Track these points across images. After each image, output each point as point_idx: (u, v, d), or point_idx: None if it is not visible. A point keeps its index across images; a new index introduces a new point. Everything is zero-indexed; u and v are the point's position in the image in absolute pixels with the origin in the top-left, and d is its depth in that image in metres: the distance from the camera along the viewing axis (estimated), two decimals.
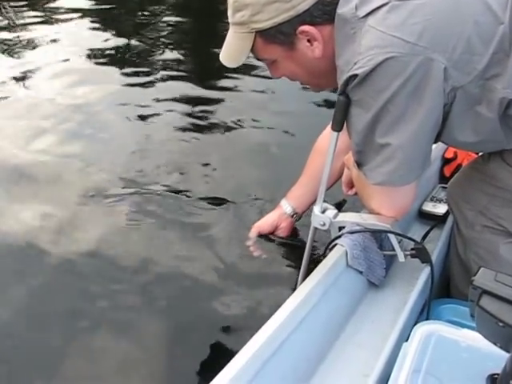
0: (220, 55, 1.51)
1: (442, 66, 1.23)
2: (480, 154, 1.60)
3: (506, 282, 0.87)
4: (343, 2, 1.36)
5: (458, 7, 1.27)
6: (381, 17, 1.27)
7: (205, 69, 4.32)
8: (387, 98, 1.26)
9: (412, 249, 1.43)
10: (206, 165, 2.65)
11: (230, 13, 1.46)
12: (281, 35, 1.41)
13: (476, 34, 1.25)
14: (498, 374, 0.95)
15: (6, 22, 5.42)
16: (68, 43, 4.61)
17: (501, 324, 0.85)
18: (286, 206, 2.02)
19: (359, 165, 1.42)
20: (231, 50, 1.50)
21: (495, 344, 0.92)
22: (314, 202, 1.83)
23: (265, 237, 2.03)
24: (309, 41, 1.42)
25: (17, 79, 3.82)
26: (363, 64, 1.26)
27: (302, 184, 2.02)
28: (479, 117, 1.32)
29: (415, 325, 1.16)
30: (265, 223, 2.04)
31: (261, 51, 1.48)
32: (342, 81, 1.34)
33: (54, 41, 4.81)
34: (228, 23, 1.49)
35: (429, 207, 1.84)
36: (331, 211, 1.47)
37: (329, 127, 1.89)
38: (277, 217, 2.03)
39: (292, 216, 2.02)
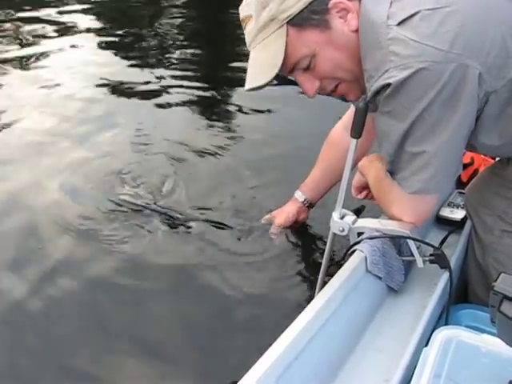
0: (246, 82, 1.44)
1: (477, 71, 1.23)
2: (498, 158, 1.61)
3: None
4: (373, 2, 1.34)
5: (489, 12, 1.27)
6: (412, 26, 1.26)
7: (211, 75, 4.34)
8: (423, 108, 1.26)
9: (431, 254, 1.43)
10: (215, 175, 2.67)
11: (252, 23, 1.40)
12: (314, 15, 1.35)
13: (509, 37, 1.25)
14: None
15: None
16: (74, 46, 4.71)
17: None
18: (303, 199, 2.11)
19: (392, 174, 1.42)
20: (267, 58, 1.40)
21: None
22: (327, 191, 1.95)
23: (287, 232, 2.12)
24: (341, 17, 1.37)
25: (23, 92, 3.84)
26: (396, 73, 1.25)
27: (316, 177, 2.09)
28: (508, 120, 1.33)
29: (434, 330, 1.16)
30: (286, 219, 2.12)
31: (296, 45, 1.38)
32: (372, 87, 1.33)
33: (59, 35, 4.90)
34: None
35: (446, 212, 1.84)
36: (350, 217, 1.48)
37: (342, 120, 1.95)
38: (295, 210, 2.12)
39: (308, 206, 2.13)
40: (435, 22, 1.24)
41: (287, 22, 1.36)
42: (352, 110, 1.54)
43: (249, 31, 1.42)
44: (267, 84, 1.40)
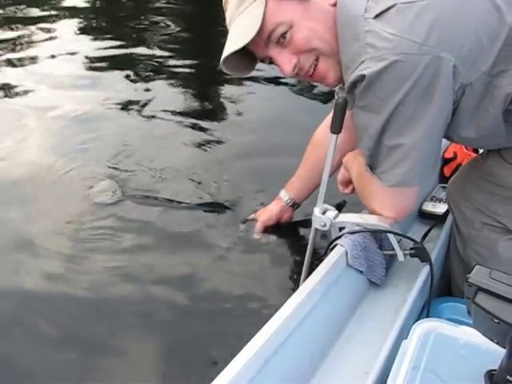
0: (224, 50, 1.44)
1: (451, 63, 1.25)
2: (479, 152, 1.62)
3: (501, 279, 0.88)
4: None
5: (464, 6, 1.28)
6: (388, 19, 1.28)
7: (205, 75, 4.32)
8: (399, 100, 1.28)
9: (411, 248, 1.44)
10: (202, 171, 2.65)
11: (231, 3, 1.43)
12: None
13: (483, 31, 1.26)
14: (495, 370, 0.96)
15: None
16: (64, 50, 4.57)
17: (496, 320, 0.87)
18: (287, 198, 2.10)
19: (372, 168, 1.44)
20: (238, 31, 1.42)
21: (492, 340, 0.94)
22: (312, 192, 1.93)
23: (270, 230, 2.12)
24: None
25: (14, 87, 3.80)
26: (371, 64, 1.27)
27: (301, 176, 2.09)
28: (483, 113, 1.34)
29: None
30: (269, 218, 2.11)
31: (275, 15, 1.39)
32: (348, 78, 1.35)
33: (50, 44, 4.81)
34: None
35: (429, 207, 1.86)
36: (331, 212, 1.49)
37: (325, 120, 1.96)
38: (279, 209, 2.11)
39: (292, 206, 2.11)
40: (411, 15, 1.26)
41: None
42: None
43: (229, 9, 1.44)
44: (238, 50, 1.41)
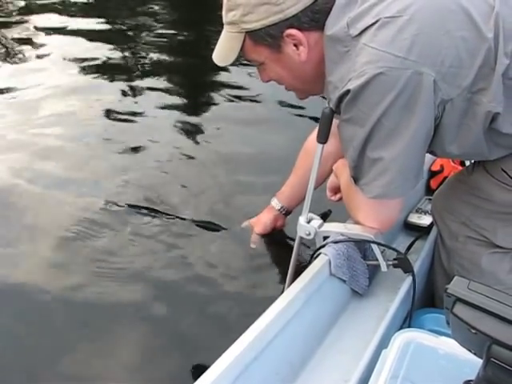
0: (213, 54, 1.55)
1: (432, 78, 1.26)
2: (466, 166, 1.64)
3: (479, 290, 0.89)
4: (332, 20, 1.39)
5: (444, 23, 1.29)
6: (372, 34, 1.30)
7: (199, 81, 4.34)
8: (381, 113, 1.29)
9: (394, 259, 1.45)
10: (193, 182, 2.66)
11: (223, 12, 1.50)
12: (268, 37, 1.45)
13: (463, 48, 1.28)
14: (473, 380, 0.97)
15: None
16: (58, 58, 4.57)
17: (473, 331, 0.87)
18: (279, 207, 2.12)
19: (355, 180, 1.45)
20: (222, 49, 1.54)
21: (470, 351, 0.94)
22: (303, 200, 1.92)
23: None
24: (295, 45, 1.45)
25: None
26: (356, 80, 1.29)
27: (292, 184, 2.11)
28: (466, 129, 1.35)
29: None
30: (264, 228, 2.13)
31: (250, 52, 1.51)
32: (335, 96, 1.37)
33: (44, 54, 4.77)
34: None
35: (414, 218, 1.87)
36: (316, 221, 1.50)
37: (316, 130, 1.97)
38: (272, 218, 2.13)
39: (285, 214, 2.15)
40: (393, 30, 1.28)
41: (246, 32, 1.46)
42: None
43: (223, 13, 1.51)
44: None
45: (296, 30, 1.42)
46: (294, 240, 1.56)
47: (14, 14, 6.14)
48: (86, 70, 4.25)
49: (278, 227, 2.16)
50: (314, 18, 1.41)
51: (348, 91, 1.31)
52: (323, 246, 1.45)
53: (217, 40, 1.53)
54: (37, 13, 6.06)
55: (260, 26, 1.43)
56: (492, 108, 1.30)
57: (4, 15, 6.08)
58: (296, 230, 1.52)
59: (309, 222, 1.48)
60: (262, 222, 2.15)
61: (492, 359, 0.86)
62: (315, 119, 1.99)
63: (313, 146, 1.97)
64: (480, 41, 1.29)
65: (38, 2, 6.55)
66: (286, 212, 2.14)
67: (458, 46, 1.28)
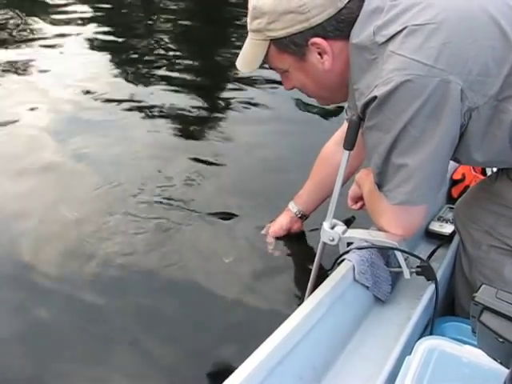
0: (237, 60, 1.57)
1: (459, 87, 1.26)
2: (488, 174, 1.63)
3: (507, 299, 0.89)
4: (358, 29, 1.40)
5: (472, 32, 1.30)
6: (399, 41, 1.30)
7: (212, 79, 4.37)
8: (407, 120, 1.30)
9: (417, 266, 1.45)
10: (210, 175, 2.72)
11: (248, 20, 1.52)
12: (293, 45, 1.46)
13: (490, 57, 1.28)
14: None
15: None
16: (67, 55, 4.66)
17: (501, 340, 0.87)
18: (296, 210, 2.18)
19: (379, 186, 1.45)
20: (246, 56, 1.55)
21: (496, 360, 0.94)
22: (319, 204, 2.07)
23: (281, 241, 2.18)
24: (319, 54, 1.47)
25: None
26: (383, 87, 1.30)
27: (309, 190, 2.16)
28: (491, 137, 1.35)
29: None
30: (280, 229, 2.19)
31: (274, 59, 1.53)
32: (361, 103, 1.38)
33: (50, 50, 4.86)
34: (243, 31, 1.57)
35: (436, 227, 1.87)
36: (340, 227, 1.50)
37: (334, 137, 2.04)
38: (289, 221, 2.18)
39: (301, 218, 2.20)
40: (421, 38, 1.28)
41: (270, 40, 1.48)
42: (344, 127, 1.61)
43: (248, 20, 1.53)
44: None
45: (321, 38, 1.44)
46: (315, 246, 1.56)
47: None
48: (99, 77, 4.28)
49: (295, 230, 2.20)
50: (338, 27, 1.43)
51: (375, 97, 1.32)
52: (347, 252, 1.45)
53: (236, 41, 1.56)
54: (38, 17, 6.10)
55: (285, 34, 1.45)
56: None
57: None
58: (319, 236, 1.52)
59: (333, 228, 1.49)
60: (277, 223, 2.20)
61: None
62: (333, 125, 2.00)
63: (329, 153, 2.06)
64: (508, 50, 1.29)
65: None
66: (302, 215, 2.19)
67: (485, 55, 1.28)
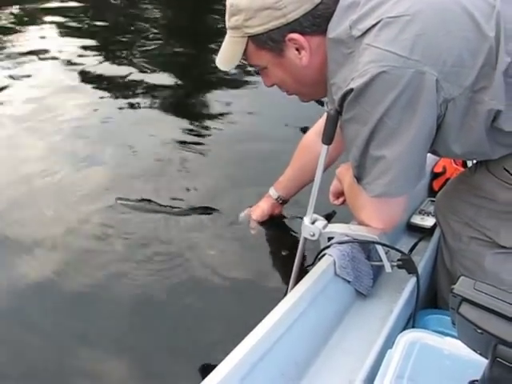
0: (216, 59, 1.57)
1: (434, 78, 1.27)
2: (468, 166, 1.64)
3: (485, 291, 0.89)
4: (335, 24, 1.41)
5: (446, 24, 1.31)
6: (374, 34, 1.31)
7: (196, 80, 4.35)
8: (383, 111, 1.30)
9: (398, 259, 1.45)
10: (190, 171, 2.74)
11: (226, 17, 1.52)
12: (271, 41, 1.47)
13: (465, 48, 1.29)
14: (477, 381, 0.97)
15: None
16: (51, 61, 4.54)
17: (479, 331, 0.88)
18: (276, 196, 2.25)
19: (358, 179, 1.46)
20: (225, 54, 1.56)
21: (475, 351, 0.95)
22: (299, 190, 2.13)
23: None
24: (297, 49, 1.47)
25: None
26: (359, 79, 1.30)
27: (289, 176, 2.21)
28: (467, 128, 1.36)
29: None
30: (262, 214, 2.25)
31: (252, 56, 1.54)
32: (338, 96, 1.38)
33: (37, 54, 4.75)
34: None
35: (417, 220, 1.88)
36: (321, 222, 1.50)
37: (314, 127, 2.06)
38: (270, 206, 2.26)
39: (282, 203, 2.28)
40: (395, 30, 1.29)
41: (248, 37, 1.48)
42: (324, 117, 1.61)
43: (226, 17, 1.54)
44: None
45: (298, 34, 1.44)
46: (298, 241, 1.57)
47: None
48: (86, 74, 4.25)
49: (276, 214, 2.27)
50: (315, 23, 1.43)
51: (351, 90, 1.32)
52: (328, 247, 1.45)
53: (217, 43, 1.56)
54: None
55: (262, 30, 1.45)
56: (494, 106, 1.31)
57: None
58: (300, 231, 1.52)
59: (313, 223, 1.49)
60: (259, 208, 2.25)
61: (498, 359, 0.86)
62: (314, 117, 2.03)
63: (310, 142, 2.10)
64: (482, 40, 1.30)
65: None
66: (283, 201, 2.25)
67: (459, 46, 1.29)
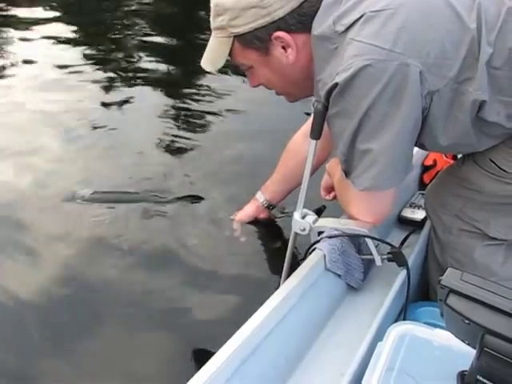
0: (202, 60, 1.57)
1: (418, 69, 1.28)
2: (459, 157, 1.65)
3: (472, 282, 0.90)
4: (319, 21, 1.42)
5: (428, 17, 1.32)
6: (358, 28, 1.32)
7: (187, 76, 4.36)
8: (368, 105, 1.31)
9: (388, 253, 1.46)
10: (181, 166, 2.75)
11: (211, 18, 1.52)
12: (257, 40, 1.47)
13: (447, 40, 1.30)
14: (467, 371, 0.99)
15: None
16: (44, 60, 4.52)
17: (467, 321, 0.89)
18: (262, 200, 2.21)
19: (346, 174, 1.46)
20: (211, 54, 1.56)
21: (463, 341, 0.96)
22: (286, 195, 2.11)
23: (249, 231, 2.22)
24: (283, 48, 1.48)
25: None
26: (343, 74, 1.31)
27: (276, 181, 2.19)
28: (453, 120, 1.37)
29: None
30: (245, 216, 2.23)
31: (238, 56, 1.54)
32: (324, 91, 1.39)
33: (26, 47, 4.84)
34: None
35: (408, 213, 1.88)
36: (311, 217, 1.51)
37: (302, 129, 2.05)
38: (255, 209, 2.23)
39: (268, 207, 2.24)
40: (378, 24, 1.30)
41: (234, 36, 1.49)
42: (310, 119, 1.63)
43: (211, 18, 1.54)
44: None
45: (284, 32, 1.45)
46: (288, 235, 1.57)
47: None
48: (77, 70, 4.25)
49: (261, 218, 2.24)
50: (300, 21, 1.44)
51: (336, 84, 1.33)
52: (318, 242, 1.46)
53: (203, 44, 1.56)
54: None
55: (248, 29, 1.45)
56: (478, 96, 1.32)
57: None
58: (291, 226, 1.53)
59: (303, 218, 1.50)
60: (244, 210, 2.24)
61: (485, 349, 0.87)
62: (302, 119, 2.05)
63: (296, 145, 2.09)
64: (463, 32, 1.31)
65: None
66: (269, 205, 2.22)
67: (442, 38, 1.30)
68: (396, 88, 1.29)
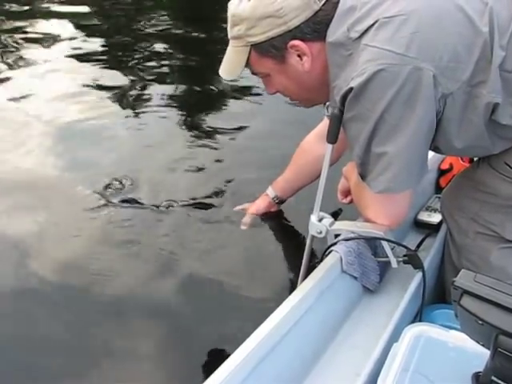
0: (220, 69, 1.60)
1: (431, 73, 1.30)
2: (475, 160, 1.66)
3: (485, 283, 0.92)
4: (334, 28, 1.44)
5: (441, 21, 1.34)
6: (372, 34, 1.35)
7: (199, 80, 4.39)
8: (383, 108, 1.33)
9: (404, 255, 1.48)
10: (188, 169, 2.78)
11: (228, 27, 1.55)
12: (273, 49, 1.50)
13: (460, 44, 1.32)
14: (481, 372, 0.99)
15: None
16: (56, 61, 4.62)
17: (480, 322, 0.90)
18: (273, 195, 2.30)
19: (363, 177, 1.48)
20: (229, 64, 1.59)
21: (478, 342, 0.97)
22: (296, 191, 2.19)
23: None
24: (299, 56, 1.50)
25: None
26: (358, 78, 1.33)
27: (287, 178, 2.26)
28: (467, 123, 1.39)
29: None
30: (256, 210, 2.30)
31: (255, 64, 1.57)
32: (340, 96, 1.41)
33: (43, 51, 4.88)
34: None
35: (424, 216, 1.89)
36: (327, 220, 1.52)
37: (316, 130, 2.10)
38: (266, 204, 2.31)
39: (278, 203, 2.32)
40: (392, 29, 1.33)
41: (251, 45, 1.51)
42: (325, 122, 1.65)
43: (228, 28, 1.57)
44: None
45: (299, 40, 1.47)
46: (305, 238, 1.59)
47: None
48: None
49: (271, 213, 2.31)
50: (315, 29, 1.46)
51: (351, 89, 1.35)
52: (334, 244, 1.47)
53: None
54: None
55: (265, 38, 1.48)
56: (491, 99, 1.33)
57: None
58: (307, 229, 1.54)
59: (320, 221, 1.51)
60: (255, 205, 2.31)
61: (499, 349, 0.88)
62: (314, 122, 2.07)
63: (309, 144, 2.14)
64: (476, 36, 1.33)
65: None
66: (280, 201, 2.30)
67: (454, 42, 1.32)
68: (410, 91, 1.31)
